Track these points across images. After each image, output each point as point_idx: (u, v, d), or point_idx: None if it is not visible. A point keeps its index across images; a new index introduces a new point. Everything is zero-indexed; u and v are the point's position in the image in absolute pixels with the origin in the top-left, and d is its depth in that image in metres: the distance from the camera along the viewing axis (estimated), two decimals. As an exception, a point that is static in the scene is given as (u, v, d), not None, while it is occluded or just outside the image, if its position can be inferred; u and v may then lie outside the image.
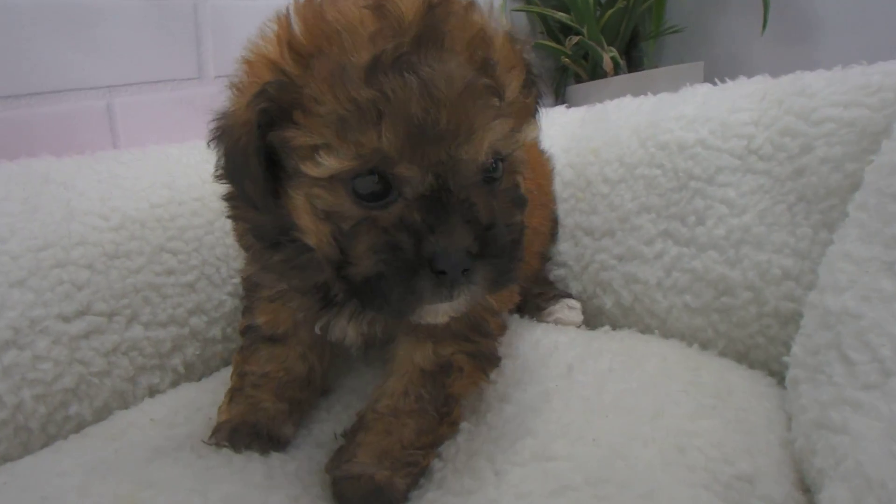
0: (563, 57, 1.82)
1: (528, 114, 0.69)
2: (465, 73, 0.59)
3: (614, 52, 1.76)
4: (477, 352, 0.81)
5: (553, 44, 1.84)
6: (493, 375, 0.83)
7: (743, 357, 0.99)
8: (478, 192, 0.62)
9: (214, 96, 1.14)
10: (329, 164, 0.60)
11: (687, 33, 1.91)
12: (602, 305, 1.11)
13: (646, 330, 1.06)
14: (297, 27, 0.64)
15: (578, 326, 1.07)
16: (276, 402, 0.81)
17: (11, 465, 0.78)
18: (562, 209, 1.16)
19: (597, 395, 0.81)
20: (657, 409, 0.79)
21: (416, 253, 0.59)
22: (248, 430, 0.78)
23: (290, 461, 0.76)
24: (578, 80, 1.89)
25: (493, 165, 0.65)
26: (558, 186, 1.17)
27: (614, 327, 1.08)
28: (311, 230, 0.66)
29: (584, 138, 1.18)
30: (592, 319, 1.11)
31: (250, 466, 0.73)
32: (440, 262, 0.59)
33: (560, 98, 1.97)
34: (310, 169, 0.61)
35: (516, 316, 1.08)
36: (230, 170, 0.67)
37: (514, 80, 0.64)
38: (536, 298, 1.11)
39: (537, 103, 0.73)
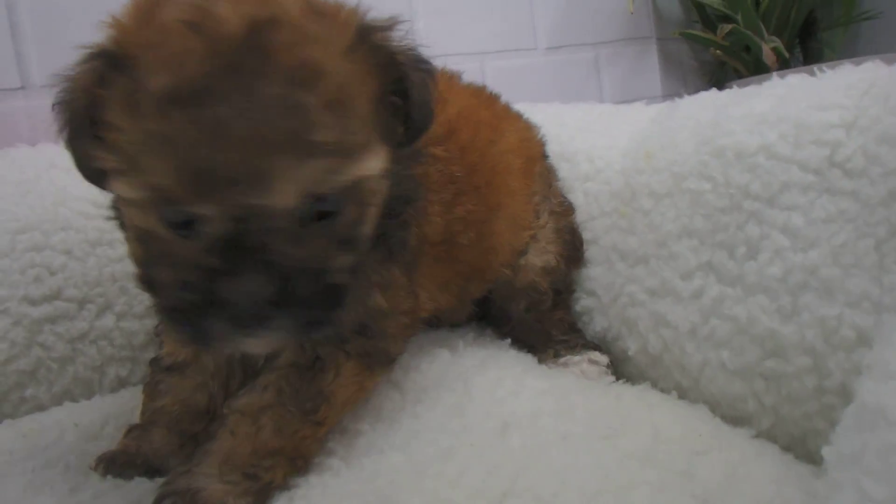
0: (713, 49, 1.51)
1: (375, 139, 0.56)
2: (273, 112, 0.49)
3: (777, 43, 1.41)
4: (361, 351, 0.66)
5: (703, 34, 1.53)
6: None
7: (797, 444, 0.69)
8: (284, 237, 0.51)
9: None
10: (123, 191, 0.53)
11: (886, 20, 1.49)
12: (626, 350, 0.84)
13: (676, 389, 0.79)
14: (126, 19, 0.55)
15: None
16: (167, 436, 0.71)
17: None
18: (602, 224, 0.91)
19: (512, 470, 0.59)
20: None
21: (209, 294, 0.51)
22: (125, 460, 0.69)
23: (144, 484, 0.66)
24: (739, 75, 1.55)
25: (330, 200, 0.54)
26: (605, 197, 0.92)
27: (636, 380, 0.83)
28: (129, 246, 0.59)
29: (644, 140, 0.92)
30: (616, 364, 0.86)
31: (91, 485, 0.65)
32: (230, 310, 0.51)
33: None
34: (114, 187, 0.54)
35: (520, 354, 0.87)
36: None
37: (348, 109, 0.53)
38: (557, 345, 0.89)
39: (409, 117, 0.60)
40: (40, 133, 1.01)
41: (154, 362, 0.75)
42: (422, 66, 0.61)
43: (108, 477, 0.67)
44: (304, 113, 0.50)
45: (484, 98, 0.93)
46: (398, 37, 0.60)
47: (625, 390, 0.78)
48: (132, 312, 0.91)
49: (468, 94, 0.90)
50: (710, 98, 0.88)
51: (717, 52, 1.50)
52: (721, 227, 0.76)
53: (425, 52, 0.76)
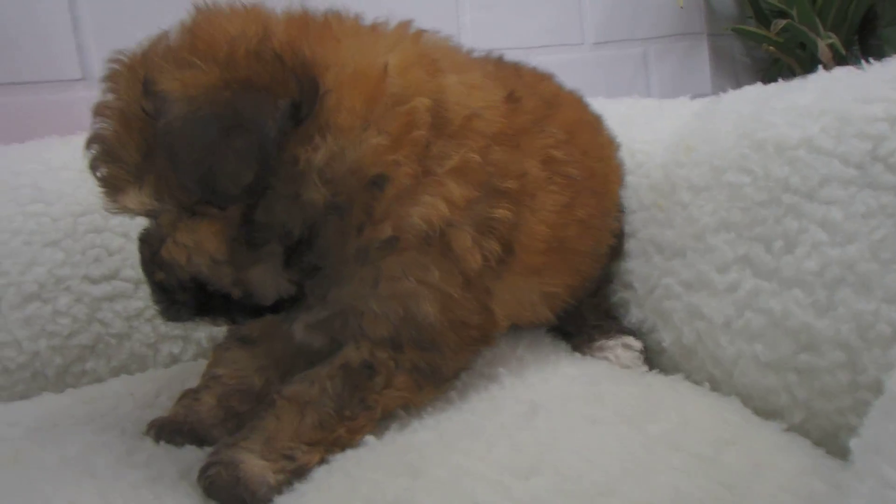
0: (766, 45, 1.48)
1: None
2: None
3: (834, 39, 1.38)
4: (413, 366, 0.68)
5: (756, 29, 1.51)
6: (434, 396, 0.70)
7: (829, 439, 0.69)
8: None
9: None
10: None
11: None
12: (660, 342, 0.85)
13: (709, 381, 0.79)
14: None
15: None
16: (214, 408, 0.75)
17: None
18: (641, 218, 0.91)
19: (537, 450, 0.61)
20: (608, 485, 0.57)
21: None
22: (173, 428, 0.73)
23: (192, 451, 0.70)
24: (793, 73, 1.53)
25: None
26: (644, 190, 0.93)
27: (670, 372, 0.83)
28: None
29: (687, 133, 0.92)
30: (650, 358, 0.86)
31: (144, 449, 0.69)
32: None
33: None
34: None
35: (556, 340, 0.89)
36: None
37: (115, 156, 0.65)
38: (592, 330, 0.89)
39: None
40: (101, 122, 1.07)
41: (232, 329, 0.79)
42: (166, 114, 0.58)
43: (161, 443, 0.71)
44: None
45: (582, 102, 0.95)
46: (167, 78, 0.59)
47: (655, 379, 0.79)
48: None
49: (574, 98, 0.92)
50: (754, 91, 0.88)
51: (771, 48, 1.48)
52: (759, 220, 0.76)
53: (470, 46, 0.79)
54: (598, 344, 0.87)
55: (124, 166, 0.64)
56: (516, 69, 0.87)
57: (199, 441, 0.73)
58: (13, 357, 0.87)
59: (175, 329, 0.95)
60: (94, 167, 0.67)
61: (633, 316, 0.90)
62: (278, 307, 0.71)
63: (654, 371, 0.82)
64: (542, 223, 0.74)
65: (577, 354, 0.86)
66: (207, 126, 0.57)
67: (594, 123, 0.92)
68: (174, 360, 0.96)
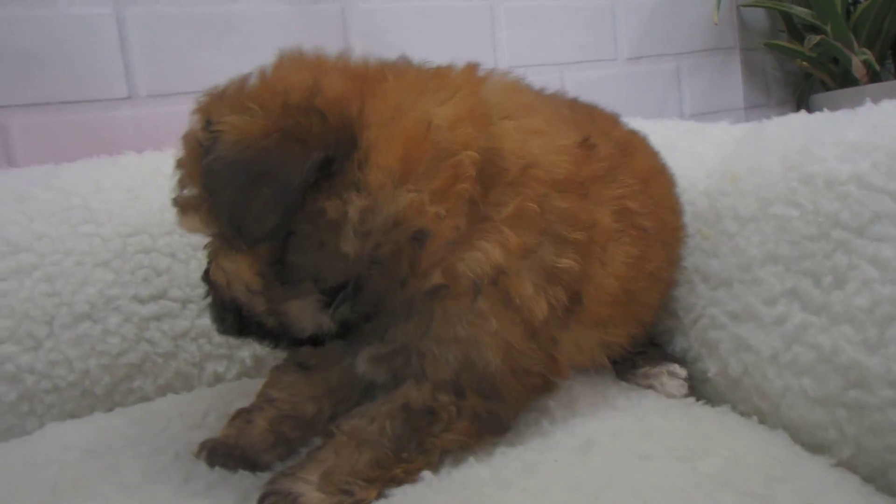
0: (799, 60, 1.48)
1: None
2: None
3: (868, 55, 1.38)
4: (475, 414, 0.68)
5: (789, 44, 1.51)
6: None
7: (878, 476, 0.69)
8: None
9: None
10: None
11: None
12: (705, 372, 0.86)
13: (755, 412, 0.80)
14: None
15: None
16: (265, 433, 0.76)
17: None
18: (685, 245, 0.93)
19: (595, 487, 0.62)
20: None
21: None
22: (224, 451, 0.74)
23: (248, 478, 0.71)
24: (826, 88, 1.53)
25: None
26: (688, 218, 0.94)
27: (715, 401, 0.84)
28: None
29: (731, 162, 0.92)
30: (694, 387, 0.87)
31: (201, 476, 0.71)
32: None
33: (804, 109, 1.62)
34: None
35: (600, 369, 0.88)
36: None
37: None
38: (636, 356, 0.90)
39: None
40: (144, 141, 1.09)
41: (291, 353, 0.80)
42: (212, 152, 0.62)
43: (216, 468, 0.73)
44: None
45: (648, 142, 0.94)
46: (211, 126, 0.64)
47: (704, 412, 0.79)
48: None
49: (642, 141, 0.92)
50: (799, 122, 0.89)
51: (804, 63, 1.48)
52: (808, 254, 0.77)
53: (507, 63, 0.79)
54: (642, 371, 0.88)
55: (191, 192, 0.69)
56: (590, 112, 0.88)
57: (251, 465, 0.74)
58: (64, 376, 0.89)
59: (219, 348, 0.97)
60: (176, 190, 0.72)
61: (678, 344, 0.91)
62: (318, 341, 0.73)
63: (700, 402, 0.83)
64: (611, 276, 0.74)
65: (623, 383, 0.87)
66: (241, 170, 0.61)
67: (663, 170, 0.92)
68: (218, 378, 0.98)
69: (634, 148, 0.86)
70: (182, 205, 0.70)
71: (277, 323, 0.70)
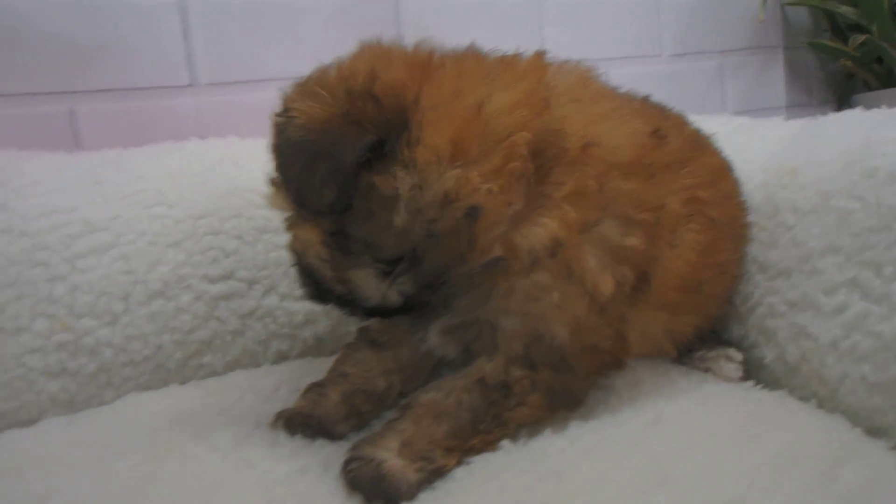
0: (842, 59, 1.51)
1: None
2: None
3: (913, 55, 1.41)
4: (548, 388, 0.72)
5: (832, 43, 1.53)
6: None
7: (936, 459, 0.74)
8: None
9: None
10: None
11: None
12: (762, 358, 0.89)
13: (813, 397, 0.83)
14: None
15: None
16: (338, 404, 0.80)
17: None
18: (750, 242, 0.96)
19: (667, 460, 0.66)
20: (737, 497, 0.61)
21: None
22: (300, 421, 0.79)
23: (327, 446, 0.76)
24: (868, 87, 1.55)
25: None
26: (745, 212, 0.97)
27: (772, 387, 0.87)
28: None
29: (788, 157, 0.95)
30: (750, 373, 0.90)
31: (284, 442, 0.75)
32: None
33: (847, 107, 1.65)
34: None
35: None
36: None
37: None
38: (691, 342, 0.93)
39: None
40: (204, 128, 1.14)
41: (362, 331, 0.85)
42: (282, 134, 0.70)
43: (297, 436, 0.77)
44: None
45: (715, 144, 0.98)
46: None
47: (764, 395, 0.83)
48: (293, 294, 1.01)
49: (712, 142, 0.96)
50: (858, 118, 0.92)
51: (848, 62, 1.51)
52: (869, 245, 0.80)
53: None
54: (699, 354, 0.92)
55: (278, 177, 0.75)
56: (662, 110, 0.91)
57: (326, 434, 0.79)
58: (139, 350, 0.93)
59: (283, 328, 1.01)
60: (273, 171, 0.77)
61: (734, 331, 0.94)
62: (387, 312, 0.77)
63: (758, 386, 0.86)
64: (680, 260, 0.77)
65: (681, 366, 0.90)
66: (303, 150, 0.68)
67: (731, 168, 0.95)
68: (282, 356, 1.02)
69: (704, 145, 0.90)
70: (274, 184, 0.77)
71: (346, 290, 0.76)
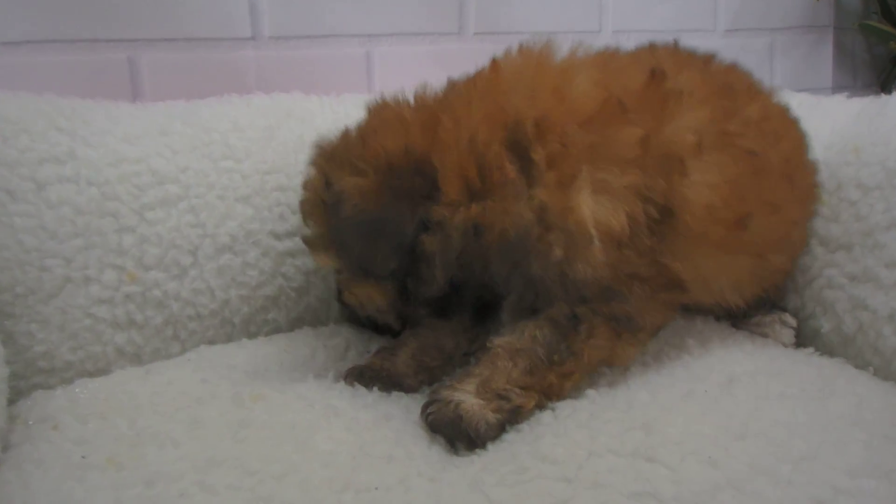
0: (893, 42, 1.58)
1: None
2: None
3: (965, 41, 1.48)
4: (609, 314, 0.80)
5: (882, 25, 1.60)
6: (635, 352, 0.83)
7: None
8: None
9: (473, 53, 1.25)
10: None
11: None
12: (818, 328, 0.98)
13: (865, 367, 0.92)
14: None
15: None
16: (409, 360, 0.90)
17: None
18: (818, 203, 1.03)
19: (744, 416, 0.74)
20: (810, 452, 0.70)
21: None
22: (372, 375, 0.87)
23: (405, 397, 0.84)
24: (915, 71, 1.62)
25: None
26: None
27: (827, 356, 0.95)
28: None
29: (851, 135, 1.03)
30: (803, 342, 1.00)
31: (364, 394, 0.83)
32: None
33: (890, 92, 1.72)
34: None
35: (707, 318, 1.01)
36: None
37: None
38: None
39: None
40: (265, 82, 1.20)
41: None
42: (339, 212, 0.84)
43: (375, 389, 0.85)
44: None
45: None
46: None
47: (824, 361, 0.91)
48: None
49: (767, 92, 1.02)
50: (927, 98, 1.00)
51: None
52: (933, 222, 0.88)
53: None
54: (754, 320, 1.00)
55: (315, 231, 0.90)
56: (684, 56, 1.00)
57: (398, 387, 0.87)
58: (206, 304, 1.00)
59: (346, 288, 1.09)
60: (304, 225, 0.94)
61: (790, 302, 1.03)
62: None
63: (809, 349, 0.95)
64: (701, 187, 0.82)
65: (743, 331, 0.99)
66: (364, 228, 0.82)
67: (792, 118, 1.03)
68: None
69: (752, 91, 0.97)
70: (311, 244, 0.92)
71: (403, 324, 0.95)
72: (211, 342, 1.01)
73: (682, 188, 0.80)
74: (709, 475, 0.66)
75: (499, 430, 0.76)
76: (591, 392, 0.79)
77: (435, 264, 0.82)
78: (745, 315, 1.00)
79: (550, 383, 0.78)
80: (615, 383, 0.81)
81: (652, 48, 1.02)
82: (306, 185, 0.91)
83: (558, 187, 0.78)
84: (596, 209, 0.77)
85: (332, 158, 0.87)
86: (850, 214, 0.97)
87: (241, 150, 1.05)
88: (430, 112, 0.85)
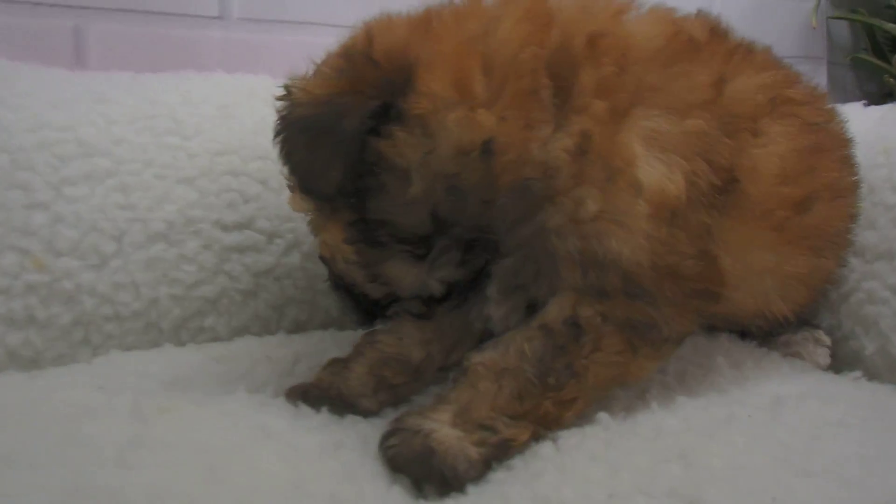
0: (886, 76, 1.45)
1: None
2: None
3: (959, 75, 1.36)
4: (625, 319, 0.58)
5: (875, 60, 1.48)
6: (654, 367, 0.61)
7: None
8: None
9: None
10: None
11: None
12: (860, 350, 0.79)
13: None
14: None
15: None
16: (364, 376, 0.68)
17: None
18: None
19: (804, 447, 0.54)
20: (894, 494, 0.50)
21: None
22: (318, 394, 0.65)
23: (361, 422, 0.62)
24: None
25: None
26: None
27: (870, 379, 0.76)
28: None
29: (879, 136, 0.87)
30: (841, 366, 0.80)
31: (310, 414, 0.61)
32: None
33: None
34: None
35: (732, 336, 0.80)
36: None
37: None
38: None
39: None
40: (232, 66, 1.00)
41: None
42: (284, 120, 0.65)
43: (324, 410, 0.63)
44: None
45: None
46: None
47: (875, 386, 0.72)
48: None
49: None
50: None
51: (891, 80, 1.45)
52: None
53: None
54: (783, 339, 0.81)
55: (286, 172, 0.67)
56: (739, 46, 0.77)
57: (345, 409, 0.65)
58: (128, 302, 0.78)
59: (304, 293, 0.87)
60: None
61: (823, 321, 0.84)
62: (427, 303, 0.69)
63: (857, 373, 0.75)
64: (771, 152, 0.65)
65: (775, 353, 0.79)
66: (305, 130, 0.62)
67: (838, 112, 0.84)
68: (299, 327, 0.87)
69: (798, 81, 0.78)
70: (290, 186, 0.70)
71: (384, 292, 0.69)
72: (130, 349, 0.79)
73: (753, 151, 0.63)
74: (773, 525, 0.46)
75: (482, 469, 0.55)
76: (603, 416, 0.58)
77: (409, 178, 0.60)
78: (770, 333, 0.80)
79: (546, 411, 0.57)
80: (632, 407, 0.60)
81: (701, 14, 0.77)
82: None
83: (609, 119, 0.58)
84: (648, 165, 0.57)
85: (304, 75, 0.67)
86: (888, 220, 0.80)
87: (191, 126, 0.86)
88: (429, 13, 0.66)
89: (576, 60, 0.60)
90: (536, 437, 0.57)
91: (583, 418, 0.58)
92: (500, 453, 0.56)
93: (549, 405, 0.57)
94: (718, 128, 0.60)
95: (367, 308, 0.72)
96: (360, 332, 0.74)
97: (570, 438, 0.56)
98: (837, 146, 0.76)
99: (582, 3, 0.65)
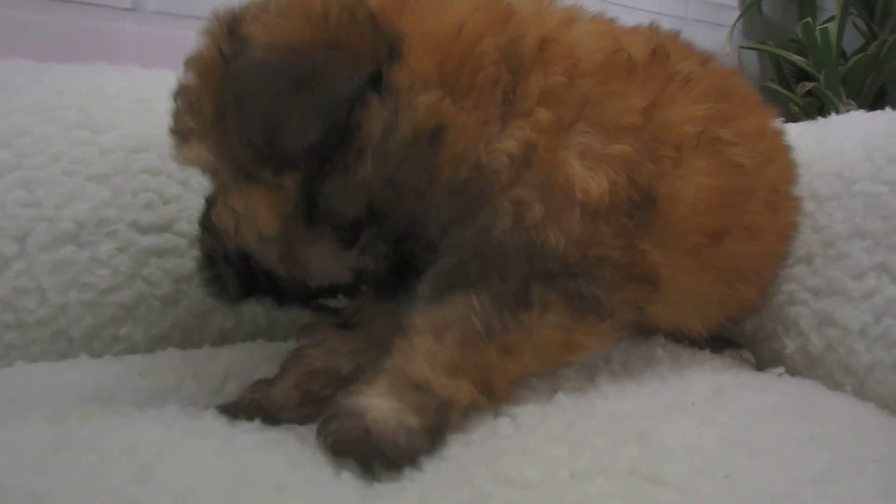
0: (791, 104, 1.60)
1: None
2: None
3: (853, 106, 1.52)
4: (570, 293, 0.61)
5: (781, 89, 1.63)
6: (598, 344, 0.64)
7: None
8: None
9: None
10: None
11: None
12: (781, 349, 0.86)
13: (837, 389, 0.79)
14: None
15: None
16: (289, 390, 0.68)
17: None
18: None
19: (746, 430, 0.60)
20: (830, 472, 0.55)
21: None
22: (243, 413, 0.65)
23: (298, 427, 0.63)
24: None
25: None
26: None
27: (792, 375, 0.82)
28: None
29: (796, 149, 0.96)
30: (764, 365, 0.86)
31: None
32: None
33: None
34: None
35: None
36: None
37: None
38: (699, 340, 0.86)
39: None
40: (146, 60, 0.98)
41: (332, 313, 0.72)
42: (243, 56, 0.60)
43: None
44: None
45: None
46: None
47: (801, 381, 0.78)
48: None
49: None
50: (869, 117, 0.97)
51: (796, 109, 1.59)
52: (899, 229, 0.80)
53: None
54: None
55: (197, 118, 0.64)
56: (684, 45, 0.84)
57: (272, 421, 0.65)
58: (33, 309, 0.76)
59: (230, 301, 0.86)
60: (174, 120, 0.67)
61: (747, 324, 0.91)
62: (330, 293, 0.69)
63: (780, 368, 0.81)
64: (689, 183, 0.69)
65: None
66: (280, 75, 0.58)
67: (787, 144, 0.90)
68: (224, 336, 0.86)
69: (750, 104, 0.85)
70: (184, 133, 0.65)
71: (290, 275, 0.66)
72: (35, 361, 0.76)
73: (673, 178, 0.67)
74: (725, 495, 0.50)
75: (428, 439, 0.56)
76: (561, 397, 0.61)
77: (366, 154, 0.60)
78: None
79: (489, 363, 0.59)
80: (584, 389, 0.63)
81: (653, 28, 0.83)
82: (191, 61, 0.66)
83: (553, 131, 0.61)
84: (581, 167, 0.61)
85: (241, 13, 0.64)
86: (807, 226, 0.88)
87: (104, 119, 0.84)
88: None
89: (524, 61, 0.63)
90: (478, 404, 0.59)
91: (540, 396, 0.61)
92: (442, 420, 0.57)
93: (492, 354, 0.59)
94: (643, 151, 0.65)
95: (250, 284, 0.68)
96: (291, 344, 0.73)
97: (529, 419, 0.58)
98: (767, 190, 0.80)
99: (537, 4, 0.68)
